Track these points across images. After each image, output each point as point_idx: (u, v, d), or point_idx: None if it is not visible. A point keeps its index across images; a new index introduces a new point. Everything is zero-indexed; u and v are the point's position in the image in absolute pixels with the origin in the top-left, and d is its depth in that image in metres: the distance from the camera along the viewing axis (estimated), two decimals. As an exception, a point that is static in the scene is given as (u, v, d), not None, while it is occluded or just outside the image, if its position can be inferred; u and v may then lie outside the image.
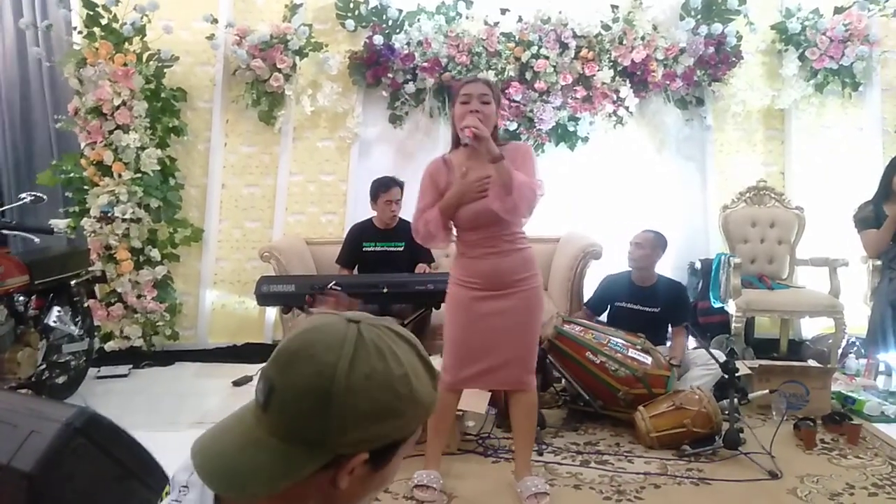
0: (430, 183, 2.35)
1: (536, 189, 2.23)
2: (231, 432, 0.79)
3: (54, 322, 3.27)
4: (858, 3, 4.15)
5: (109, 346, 4.06)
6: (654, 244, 3.44)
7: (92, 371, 3.77)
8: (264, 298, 3.23)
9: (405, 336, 0.80)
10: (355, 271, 3.71)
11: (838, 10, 4.22)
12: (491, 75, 4.11)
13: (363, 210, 3.96)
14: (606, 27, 4.17)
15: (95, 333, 3.84)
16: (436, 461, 2.45)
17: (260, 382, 0.78)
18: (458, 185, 2.27)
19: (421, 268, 3.57)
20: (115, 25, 3.98)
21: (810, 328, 4.33)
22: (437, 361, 3.22)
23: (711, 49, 4.16)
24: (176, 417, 3.24)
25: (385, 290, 3.24)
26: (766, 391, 3.12)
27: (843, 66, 4.19)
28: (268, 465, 0.73)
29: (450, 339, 2.40)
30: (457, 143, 2.33)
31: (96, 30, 3.98)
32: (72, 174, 4.08)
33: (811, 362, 3.59)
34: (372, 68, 4.19)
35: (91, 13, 3.95)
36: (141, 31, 4.01)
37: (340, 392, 0.72)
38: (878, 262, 3.67)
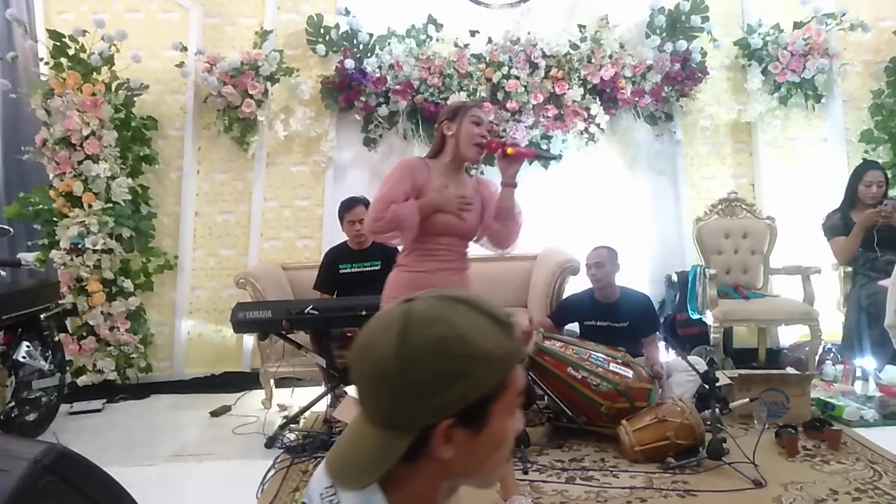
0: (408, 177, 2.27)
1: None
2: (349, 432, 0.85)
3: (23, 358, 3.18)
4: (816, 17, 4.28)
5: (82, 380, 3.96)
6: (611, 259, 3.47)
7: (64, 407, 3.67)
8: (241, 325, 3.19)
9: (462, 297, 0.82)
10: (335, 295, 3.68)
11: (797, 25, 4.35)
12: (463, 96, 4.14)
13: (339, 234, 3.93)
14: (575, 46, 4.24)
15: (67, 368, 3.75)
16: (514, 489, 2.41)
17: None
18: (442, 193, 2.27)
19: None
20: (82, 56, 3.95)
21: (787, 336, 4.38)
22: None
23: (678, 66, 4.25)
24: (152, 451, 3.16)
25: (364, 313, 3.21)
26: (747, 400, 3.13)
27: (805, 79, 4.30)
28: (370, 454, 0.79)
29: None
30: (436, 152, 2.37)
31: (63, 60, 3.94)
32: (40, 206, 4.00)
33: (789, 370, 3.63)
34: (344, 92, 4.20)
35: (58, 44, 3.91)
36: (109, 60, 3.98)
37: (400, 370, 0.76)
38: (850, 269, 3.75)
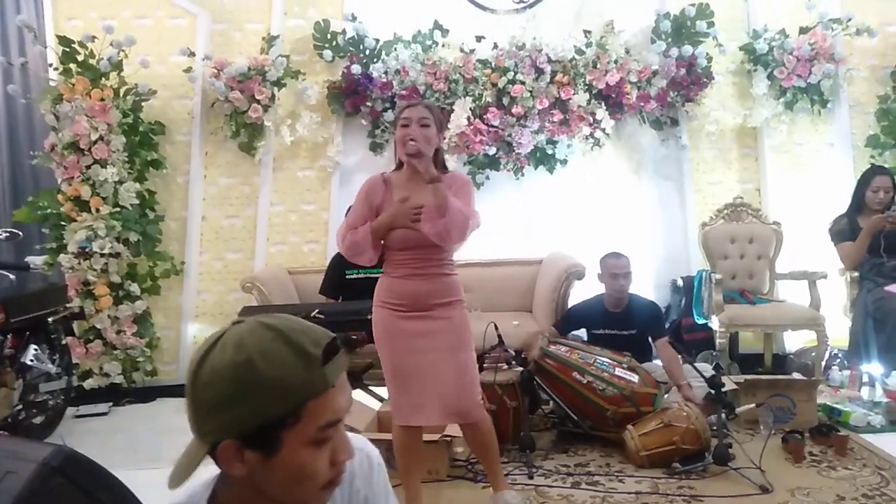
0: (364, 199, 2.34)
1: (470, 217, 2.23)
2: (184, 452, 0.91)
3: (31, 361, 3.20)
4: (822, 22, 4.28)
5: (88, 383, 3.98)
6: (630, 265, 3.46)
7: (71, 410, 3.68)
8: (247, 329, 3.19)
9: (273, 325, 0.84)
10: (340, 300, 3.69)
11: (803, 31, 4.35)
12: (469, 101, 4.16)
13: (345, 238, 3.94)
14: (580, 52, 4.25)
15: (74, 371, 3.76)
16: (415, 499, 2.38)
17: None
18: (393, 209, 2.27)
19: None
20: (91, 61, 3.98)
21: (793, 342, 4.36)
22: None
23: (683, 71, 4.26)
24: (158, 455, 3.16)
25: (369, 318, 3.21)
26: (753, 405, 3.13)
27: (811, 84, 4.30)
28: (182, 457, 0.85)
29: (387, 371, 2.33)
30: (400, 164, 2.36)
31: (73, 66, 3.97)
32: (49, 210, 4.03)
33: (796, 375, 3.61)
34: (351, 97, 4.22)
35: (67, 50, 3.95)
36: (118, 66, 4.01)
37: (192, 387, 0.83)
38: (856, 274, 3.74)
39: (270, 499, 0.86)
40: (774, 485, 2.57)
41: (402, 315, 2.29)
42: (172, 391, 4.14)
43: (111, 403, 3.91)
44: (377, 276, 3.58)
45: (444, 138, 2.36)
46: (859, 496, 2.50)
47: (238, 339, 0.82)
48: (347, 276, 3.65)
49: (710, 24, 4.29)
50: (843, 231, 3.77)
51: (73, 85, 3.91)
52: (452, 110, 4.14)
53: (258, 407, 0.80)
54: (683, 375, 3.22)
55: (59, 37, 4.02)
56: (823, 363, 3.84)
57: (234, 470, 0.82)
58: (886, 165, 4.16)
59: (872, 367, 3.50)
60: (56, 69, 4.05)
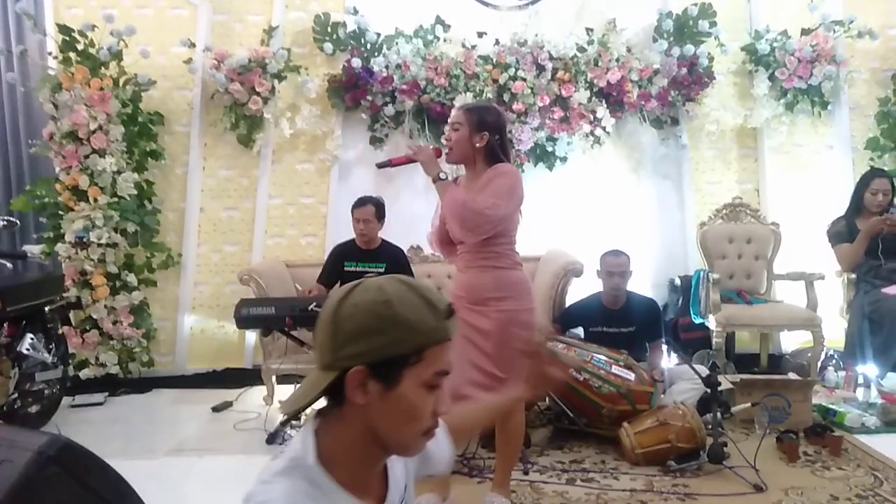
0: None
1: (472, 206, 2.23)
2: (302, 384, 1.02)
3: (27, 350, 3.19)
4: (824, 24, 4.28)
5: (84, 373, 3.98)
6: (629, 264, 3.47)
7: (66, 400, 3.68)
8: (244, 322, 3.19)
9: (406, 280, 0.98)
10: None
11: (805, 32, 4.34)
12: (469, 97, 4.15)
13: (344, 232, 3.94)
14: (582, 49, 4.24)
15: (70, 361, 3.75)
16: (442, 486, 2.40)
17: None
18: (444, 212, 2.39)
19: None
20: (91, 50, 3.96)
21: (789, 342, 4.37)
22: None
23: (684, 70, 4.25)
24: (153, 445, 3.17)
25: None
26: (749, 405, 3.14)
27: (812, 86, 4.30)
28: (303, 388, 0.97)
29: None
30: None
31: (72, 55, 3.96)
32: (46, 199, 4.02)
33: (791, 375, 3.62)
34: (351, 91, 4.21)
35: (67, 38, 3.93)
36: (117, 55, 3.99)
37: (333, 319, 0.94)
38: (853, 276, 3.74)
39: (376, 439, 0.96)
40: (768, 484, 2.58)
41: (463, 305, 2.34)
42: (169, 382, 4.15)
43: (107, 393, 3.91)
44: (375, 271, 3.64)
45: (497, 138, 2.36)
46: (853, 496, 2.51)
47: (378, 284, 0.96)
48: (346, 268, 3.65)
49: (713, 24, 4.29)
50: (841, 233, 3.78)
51: (73, 74, 3.89)
52: (452, 106, 4.13)
53: (391, 341, 0.92)
54: (660, 366, 3.43)
55: (58, 25, 4.00)
56: (819, 364, 3.85)
57: (356, 397, 0.92)
58: (886, 168, 4.16)
59: (868, 369, 3.51)
60: (55, 58, 4.03)
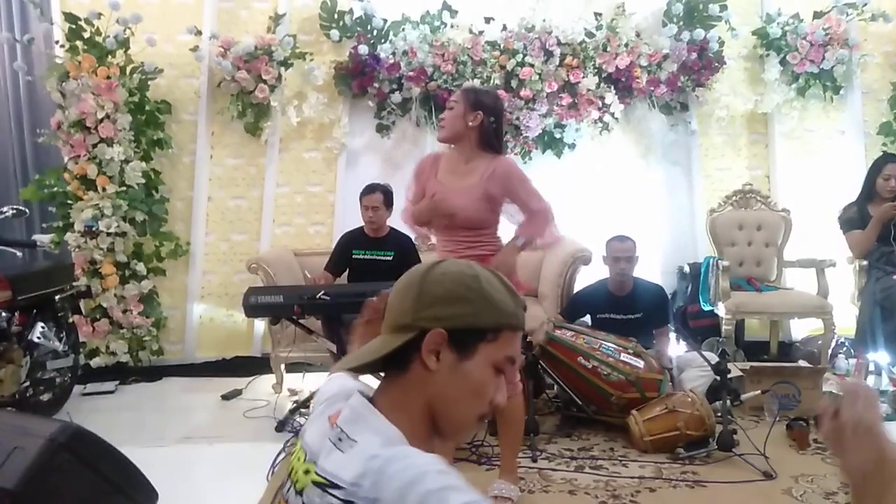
0: (414, 179, 2.54)
1: (542, 209, 2.39)
2: (364, 347, 1.02)
3: (38, 338, 3.20)
4: (837, 7, 4.21)
5: (95, 362, 4.00)
6: (634, 249, 3.45)
7: (77, 388, 3.70)
8: (252, 310, 3.20)
9: (493, 270, 1.00)
10: (345, 279, 3.68)
11: (818, 15, 4.28)
12: (476, 83, 4.12)
13: (351, 220, 3.94)
14: (590, 34, 4.20)
15: (80, 349, 3.78)
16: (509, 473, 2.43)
17: None
18: (430, 205, 2.39)
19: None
20: (97, 39, 3.95)
21: (799, 329, 4.35)
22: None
23: (694, 55, 4.20)
24: (163, 433, 3.19)
25: (375, 299, 3.20)
26: (758, 392, 3.12)
27: (824, 70, 4.24)
28: (371, 347, 0.97)
29: None
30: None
31: (79, 43, 3.95)
32: (55, 188, 4.03)
33: (801, 363, 3.60)
34: (357, 78, 4.19)
35: (73, 27, 3.92)
36: (124, 44, 3.98)
37: (421, 281, 0.95)
38: (865, 263, 3.71)
39: (432, 418, 0.95)
40: (778, 471, 2.57)
41: None
42: (178, 370, 4.17)
43: (118, 382, 3.93)
44: (384, 259, 3.64)
45: (492, 120, 2.39)
46: (863, 484, 2.50)
47: (467, 262, 0.99)
48: (354, 256, 3.65)
49: (723, 8, 4.23)
50: (853, 219, 3.73)
51: (80, 62, 3.88)
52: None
53: (475, 311, 0.93)
54: (667, 354, 3.44)
55: (64, 13, 3.98)
56: (830, 351, 3.83)
57: (430, 361, 0.92)
58: (898, 153, 4.11)
59: (879, 356, 3.48)
60: (62, 46, 4.02)
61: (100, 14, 3.90)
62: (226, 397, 3.68)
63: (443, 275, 0.95)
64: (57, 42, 4.05)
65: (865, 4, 4.20)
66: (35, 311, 3.26)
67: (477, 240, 2.39)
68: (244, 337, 4.39)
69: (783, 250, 4.22)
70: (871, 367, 3.53)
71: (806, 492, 2.44)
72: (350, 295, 3.24)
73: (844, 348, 3.91)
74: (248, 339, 4.38)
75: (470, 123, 2.34)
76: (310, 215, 4.43)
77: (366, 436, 0.87)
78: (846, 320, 3.90)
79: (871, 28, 4.31)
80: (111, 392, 3.83)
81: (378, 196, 3.56)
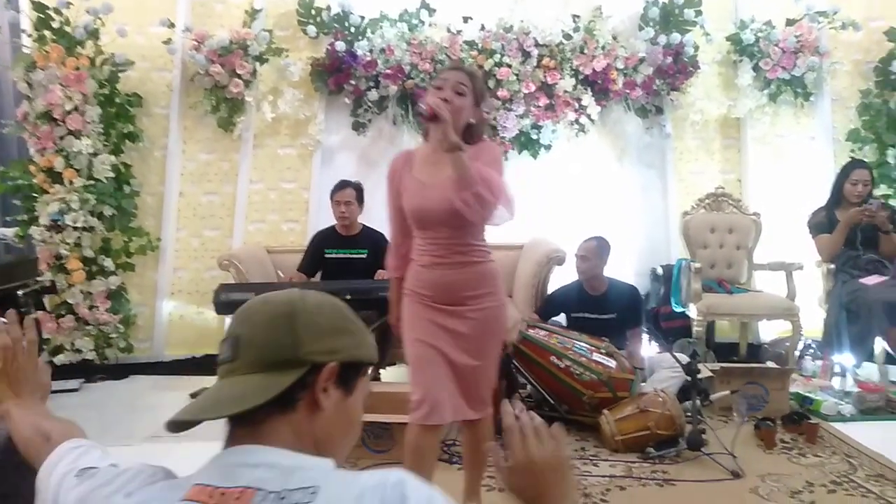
0: (389, 187, 2.14)
1: (499, 190, 1.94)
2: (212, 390, 0.87)
3: (-1, 334, 3.11)
4: (809, 15, 4.29)
5: (59, 359, 3.90)
6: (598, 252, 3.48)
7: (41, 386, 3.61)
8: (224, 307, 3.15)
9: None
10: (318, 278, 3.65)
11: (790, 23, 4.35)
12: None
13: (326, 218, 3.90)
14: (568, 36, 4.21)
15: (44, 347, 3.69)
16: (475, 495, 2.28)
17: (222, 346, 0.87)
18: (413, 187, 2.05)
19: (381, 274, 3.51)
20: (66, 29, 3.86)
21: (768, 331, 4.41)
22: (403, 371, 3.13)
23: (670, 59, 4.24)
24: (130, 432, 3.12)
25: (348, 297, 3.17)
26: (728, 392, 3.16)
27: (795, 77, 4.31)
28: (245, 390, 0.81)
29: (412, 358, 2.09)
30: (426, 134, 2.12)
31: (47, 33, 3.86)
32: (20, 181, 3.93)
33: (770, 364, 3.66)
34: (334, 75, 4.15)
35: (42, 16, 3.83)
36: (94, 34, 3.90)
37: (303, 310, 0.84)
38: (832, 266, 3.77)
39: (321, 445, 0.86)
40: (746, 470, 2.60)
41: (431, 306, 2.06)
42: (147, 369, 4.10)
43: (83, 380, 3.85)
44: (357, 257, 3.61)
45: (487, 112, 2.07)
46: (828, 483, 2.54)
47: (321, 292, 0.89)
48: (327, 255, 3.62)
49: (698, 13, 4.28)
50: (822, 223, 3.80)
51: (48, 52, 3.79)
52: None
53: (356, 344, 0.87)
54: (639, 354, 3.45)
55: (32, 2, 3.88)
56: (797, 353, 3.89)
57: (321, 398, 0.82)
58: (866, 160, 4.19)
59: (844, 358, 3.54)
60: (29, 36, 3.92)
61: (69, 3, 3.82)
62: (195, 395, 3.58)
63: (318, 304, 0.86)
64: (24, 31, 3.95)
65: (836, 13, 4.28)
66: (-4, 306, 3.17)
67: (466, 243, 2.05)
68: (214, 335, 4.31)
69: (753, 253, 4.28)
70: (837, 369, 3.60)
71: (772, 490, 2.47)
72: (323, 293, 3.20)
73: (811, 350, 3.97)
74: (219, 336, 4.21)
75: (472, 121, 2.03)
76: (284, 212, 4.38)
77: (320, 477, 0.76)
78: (814, 322, 3.96)
79: (841, 36, 4.40)
80: (76, 390, 3.75)
81: (350, 191, 3.54)
